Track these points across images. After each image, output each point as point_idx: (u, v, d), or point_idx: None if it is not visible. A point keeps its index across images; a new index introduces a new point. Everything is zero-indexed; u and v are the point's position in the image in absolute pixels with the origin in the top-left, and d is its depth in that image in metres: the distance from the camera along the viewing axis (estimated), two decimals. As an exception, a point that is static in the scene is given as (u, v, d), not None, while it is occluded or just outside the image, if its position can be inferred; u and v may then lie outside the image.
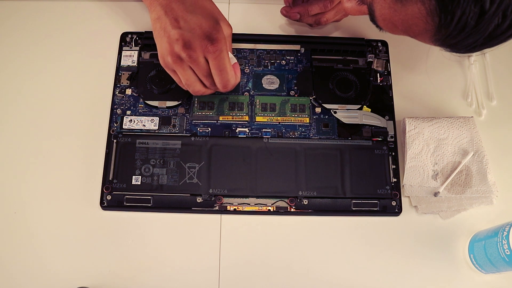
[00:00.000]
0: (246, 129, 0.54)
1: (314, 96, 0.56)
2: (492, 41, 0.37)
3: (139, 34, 0.58)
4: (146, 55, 0.57)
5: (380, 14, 0.42)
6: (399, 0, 0.38)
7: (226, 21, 0.49)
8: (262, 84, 0.56)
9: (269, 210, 0.51)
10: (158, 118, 0.54)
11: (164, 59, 0.48)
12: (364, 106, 0.56)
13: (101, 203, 0.50)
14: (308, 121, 0.55)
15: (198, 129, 0.54)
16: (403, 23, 0.40)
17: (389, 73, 0.58)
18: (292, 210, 0.51)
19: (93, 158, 0.52)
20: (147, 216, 0.51)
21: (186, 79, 0.49)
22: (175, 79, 0.50)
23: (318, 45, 0.58)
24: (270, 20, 0.61)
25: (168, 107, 0.54)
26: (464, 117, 0.55)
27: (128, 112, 0.54)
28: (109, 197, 0.50)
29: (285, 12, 0.58)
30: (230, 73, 0.48)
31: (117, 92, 0.55)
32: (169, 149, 0.52)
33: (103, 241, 0.50)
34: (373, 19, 0.43)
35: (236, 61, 0.50)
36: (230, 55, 0.49)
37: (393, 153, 0.53)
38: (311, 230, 0.51)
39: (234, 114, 0.54)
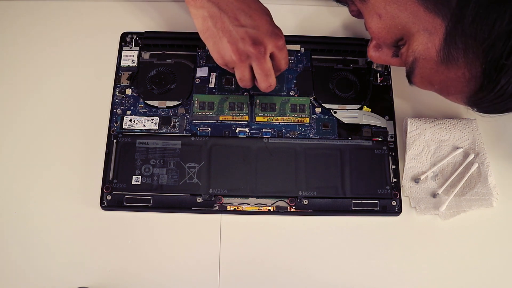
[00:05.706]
0: (246, 129, 0.54)
1: (314, 96, 0.56)
2: None
3: (139, 34, 0.58)
4: (146, 55, 0.57)
5: (420, 73, 0.41)
6: (445, 63, 0.38)
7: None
8: (262, 84, 0.56)
9: (269, 210, 0.51)
10: (158, 118, 0.54)
11: (224, 58, 0.46)
12: (364, 106, 0.56)
13: (101, 203, 0.50)
14: (308, 121, 0.55)
15: (198, 129, 0.54)
16: (441, 83, 0.40)
17: (389, 73, 0.57)
18: (292, 210, 0.51)
19: (93, 158, 0.52)
20: (147, 216, 0.51)
21: (242, 76, 0.48)
22: (234, 73, 0.49)
23: (318, 45, 0.58)
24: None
25: (168, 107, 0.54)
26: (467, 119, 0.55)
27: (128, 112, 0.54)
28: (109, 197, 0.50)
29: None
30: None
31: (117, 92, 0.55)
32: (169, 149, 0.52)
33: (103, 241, 0.50)
34: (409, 75, 0.43)
35: None
36: None
37: (393, 153, 0.53)
38: (311, 230, 0.51)
39: (234, 114, 0.54)
